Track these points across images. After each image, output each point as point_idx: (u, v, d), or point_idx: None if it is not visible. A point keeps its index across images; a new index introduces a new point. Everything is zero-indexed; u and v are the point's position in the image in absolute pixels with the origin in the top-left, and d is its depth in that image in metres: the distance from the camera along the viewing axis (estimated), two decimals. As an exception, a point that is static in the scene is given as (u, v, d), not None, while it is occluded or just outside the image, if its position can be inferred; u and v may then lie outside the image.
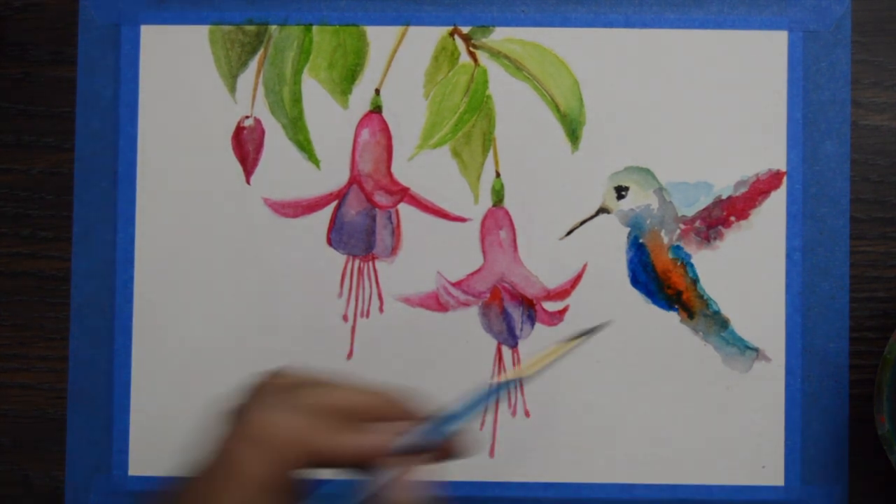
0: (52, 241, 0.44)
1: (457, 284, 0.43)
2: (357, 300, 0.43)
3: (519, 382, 0.39)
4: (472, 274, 0.43)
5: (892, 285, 0.43)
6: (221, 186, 0.43)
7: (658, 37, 0.43)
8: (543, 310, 0.43)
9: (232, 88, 0.43)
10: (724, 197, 0.43)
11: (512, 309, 0.43)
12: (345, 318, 0.43)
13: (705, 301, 0.43)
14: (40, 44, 0.44)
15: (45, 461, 0.44)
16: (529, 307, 0.43)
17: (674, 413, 0.43)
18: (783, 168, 0.43)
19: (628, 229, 0.43)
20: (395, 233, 0.43)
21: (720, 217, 0.43)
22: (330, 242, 0.43)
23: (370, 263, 0.43)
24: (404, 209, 0.43)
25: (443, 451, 0.30)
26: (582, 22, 0.43)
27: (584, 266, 0.43)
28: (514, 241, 0.43)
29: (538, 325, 0.43)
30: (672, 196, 0.43)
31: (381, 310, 0.43)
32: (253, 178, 0.43)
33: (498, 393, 0.39)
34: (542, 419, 0.43)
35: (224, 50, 0.43)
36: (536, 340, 0.43)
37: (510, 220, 0.43)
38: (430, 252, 0.43)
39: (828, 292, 0.43)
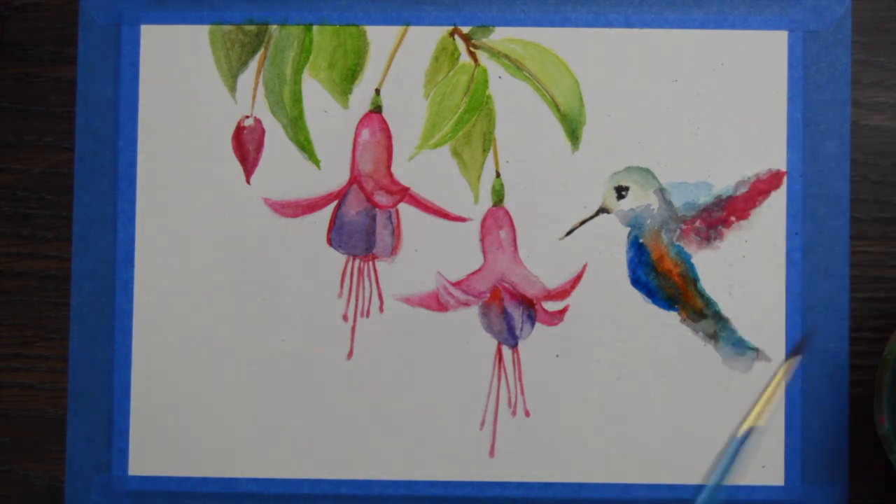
0: (52, 241, 0.44)
1: (457, 284, 0.43)
2: (357, 300, 0.43)
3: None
4: (472, 274, 0.43)
5: (892, 285, 0.43)
6: (221, 186, 0.43)
7: (658, 37, 0.43)
8: (543, 310, 0.43)
9: (232, 88, 0.43)
10: (724, 197, 0.43)
11: (512, 309, 0.43)
12: (345, 318, 0.43)
13: (705, 301, 0.43)
14: (40, 44, 0.44)
15: (45, 461, 0.44)
16: (529, 307, 0.43)
17: (674, 413, 0.43)
18: (783, 168, 0.43)
19: (628, 229, 0.43)
20: (395, 233, 0.43)
21: (720, 217, 0.43)
22: (330, 242, 0.43)
23: (370, 263, 0.43)
24: (404, 209, 0.43)
25: None
26: (582, 22, 0.43)
27: (584, 266, 0.43)
28: (514, 241, 0.43)
29: (538, 325, 0.43)
30: (672, 196, 0.43)
31: (381, 310, 0.43)
32: (253, 178, 0.43)
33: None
34: (542, 419, 0.43)
35: (224, 50, 0.43)
36: (536, 340, 0.43)
37: (510, 220, 0.43)
38: (430, 252, 0.43)
39: (828, 292, 0.43)
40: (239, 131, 0.43)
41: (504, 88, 0.43)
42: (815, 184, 0.43)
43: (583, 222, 0.43)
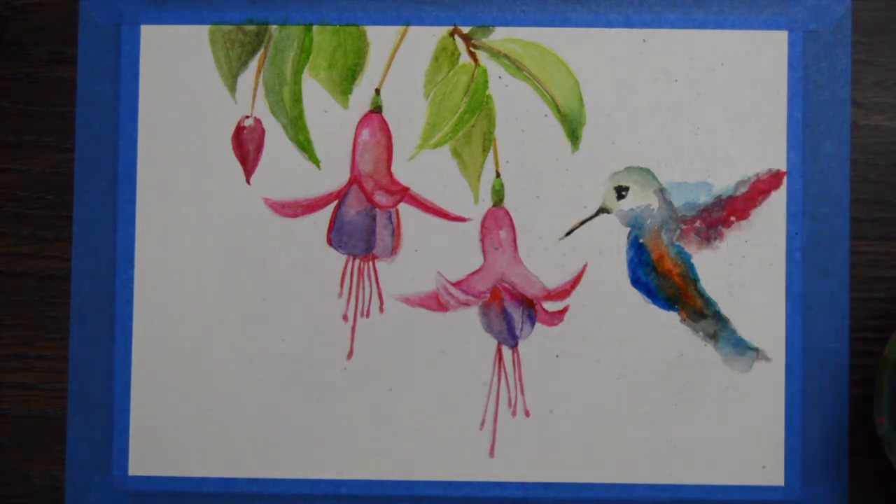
0: (52, 241, 0.44)
1: (457, 284, 0.43)
2: (357, 300, 0.43)
3: None
4: (472, 274, 0.43)
5: (892, 285, 0.43)
6: (221, 186, 0.43)
7: (658, 37, 0.43)
8: (543, 310, 0.43)
9: (232, 88, 0.43)
10: (724, 197, 0.43)
11: (512, 309, 0.43)
12: (345, 318, 0.43)
13: (705, 301, 0.43)
14: (40, 44, 0.44)
15: (45, 461, 0.44)
16: (529, 307, 0.43)
17: (673, 413, 0.43)
18: (783, 168, 0.43)
19: (628, 229, 0.43)
20: (395, 233, 0.43)
21: (720, 217, 0.43)
22: (330, 242, 0.43)
23: (370, 263, 0.43)
24: (404, 209, 0.43)
25: None
26: (582, 22, 0.43)
27: (584, 266, 0.43)
28: (514, 241, 0.43)
29: (538, 325, 0.43)
30: (672, 196, 0.43)
31: (381, 310, 0.43)
32: (253, 178, 0.43)
33: None
34: (542, 419, 0.43)
35: (224, 50, 0.43)
36: (536, 340, 0.43)
37: (510, 220, 0.43)
38: (430, 252, 0.43)
39: (828, 292, 0.43)
40: (239, 131, 0.43)
41: (504, 88, 0.43)
42: (815, 184, 0.43)
43: (583, 222, 0.43)
